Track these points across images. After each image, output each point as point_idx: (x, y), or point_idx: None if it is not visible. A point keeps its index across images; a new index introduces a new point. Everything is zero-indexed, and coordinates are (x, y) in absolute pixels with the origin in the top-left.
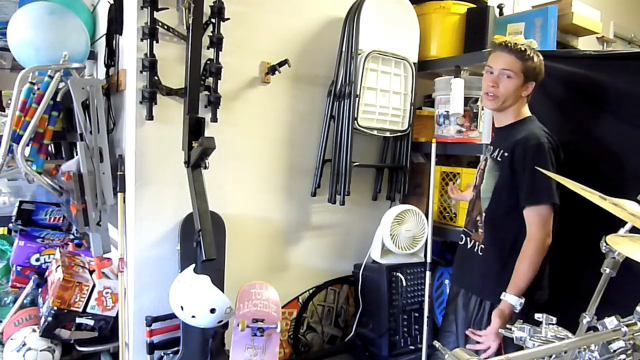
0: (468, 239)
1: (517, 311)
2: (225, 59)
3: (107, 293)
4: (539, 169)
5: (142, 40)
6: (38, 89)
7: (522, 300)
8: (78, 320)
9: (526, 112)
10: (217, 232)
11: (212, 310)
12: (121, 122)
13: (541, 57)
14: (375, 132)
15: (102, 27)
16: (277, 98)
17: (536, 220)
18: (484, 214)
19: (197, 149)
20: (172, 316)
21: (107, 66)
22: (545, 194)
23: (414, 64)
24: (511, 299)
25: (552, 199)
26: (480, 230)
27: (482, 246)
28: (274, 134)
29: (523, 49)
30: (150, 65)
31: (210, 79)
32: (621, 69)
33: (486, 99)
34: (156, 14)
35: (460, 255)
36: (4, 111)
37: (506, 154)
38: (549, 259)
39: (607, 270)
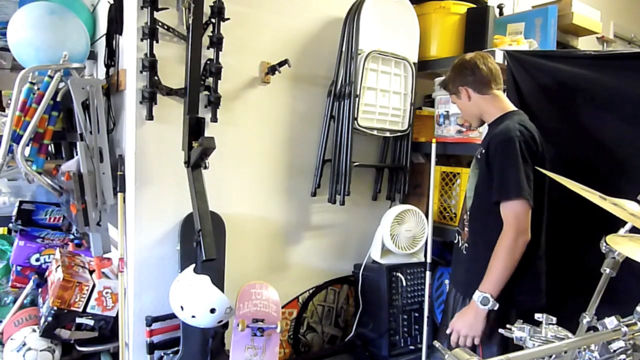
0: (460, 237)
1: (483, 308)
2: (225, 59)
3: (107, 293)
4: (540, 169)
5: (142, 40)
6: (38, 89)
7: (487, 296)
8: (78, 320)
9: (506, 107)
10: (217, 232)
11: (212, 310)
12: (121, 122)
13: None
14: (375, 132)
15: (102, 27)
16: (277, 98)
17: (508, 216)
18: (468, 213)
19: (197, 149)
20: (172, 316)
21: (107, 66)
22: (513, 189)
23: (414, 64)
24: (475, 295)
25: (521, 194)
26: (466, 229)
27: (467, 245)
28: (274, 134)
29: (443, 80)
30: (150, 65)
31: (210, 79)
32: (621, 69)
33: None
34: (156, 14)
35: (454, 253)
36: (4, 111)
37: (483, 151)
38: (537, 260)
39: (607, 270)
